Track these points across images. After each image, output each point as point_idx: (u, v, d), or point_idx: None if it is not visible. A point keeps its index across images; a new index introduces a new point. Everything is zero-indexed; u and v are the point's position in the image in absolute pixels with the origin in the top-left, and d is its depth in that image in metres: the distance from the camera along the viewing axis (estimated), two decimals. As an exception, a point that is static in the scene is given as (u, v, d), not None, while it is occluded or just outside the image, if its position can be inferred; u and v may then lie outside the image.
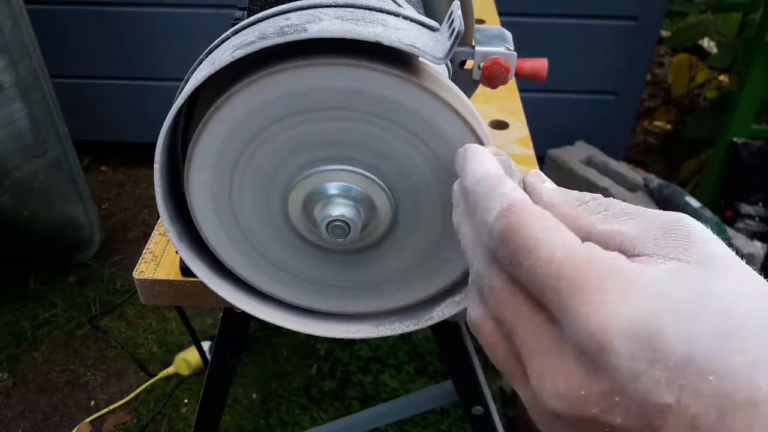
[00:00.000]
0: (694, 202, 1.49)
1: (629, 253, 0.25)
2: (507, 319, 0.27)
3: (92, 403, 1.48)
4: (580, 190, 0.30)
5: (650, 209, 0.27)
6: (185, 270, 0.56)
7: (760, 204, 1.71)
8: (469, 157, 0.32)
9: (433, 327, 0.51)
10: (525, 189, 0.31)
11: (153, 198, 0.41)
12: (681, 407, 0.21)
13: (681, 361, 0.21)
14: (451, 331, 0.67)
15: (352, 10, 0.36)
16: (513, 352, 0.27)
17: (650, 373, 0.22)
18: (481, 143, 0.37)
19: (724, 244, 0.25)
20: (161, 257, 0.59)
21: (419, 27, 0.37)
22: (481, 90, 0.53)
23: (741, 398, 0.21)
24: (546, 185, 0.31)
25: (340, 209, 0.38)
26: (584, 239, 0.26)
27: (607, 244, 0.26)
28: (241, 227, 0.43)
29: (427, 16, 0.56)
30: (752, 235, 1.62)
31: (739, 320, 0.22)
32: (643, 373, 0.22)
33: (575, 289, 0.23)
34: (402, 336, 1.57)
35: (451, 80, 0.43)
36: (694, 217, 0.27)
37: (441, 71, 0.42)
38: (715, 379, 0.21)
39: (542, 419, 0.26)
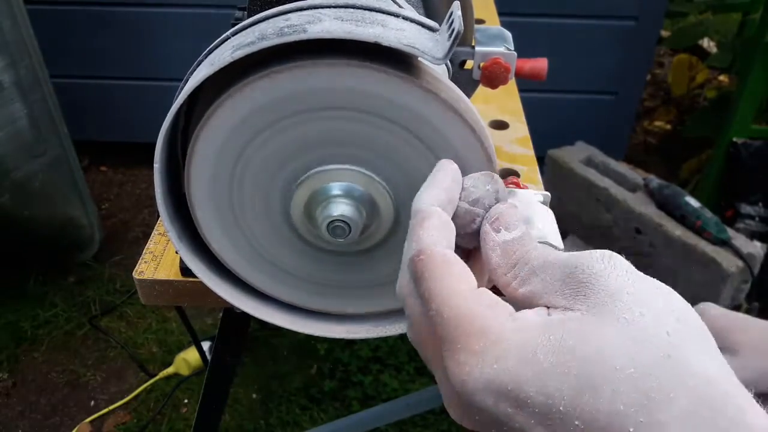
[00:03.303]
0: (694, 202, 1.49)
1: (546, 306, 0.28)
2: (417, 339, 0.31)
3: (92, 403, 1.48)
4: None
5: (559, 257, 0.29)
6: (185, 270, 0.56)
7: (760, 204, 1.71)
8: (427, 180, 0.34)
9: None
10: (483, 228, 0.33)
11: (153, 198, 0.41)
12: None
13: (544, 409, 0.24)
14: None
15: (351, 10, 0.36)
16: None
17: (519, 414, 0.25)
18: (481, 143, 0.37)
19: (625, 280, 0.26)
20: (161, 257, 0.59)
21: (419, 27, 0.37)
22: (481, 90, 0.53)
23: None
24: (497, 238, 0.32)
25: (341, 209, 0.38)
26: (513, 301, 0.29)
27: (530, 303, 0.29)
28: (241, 227, 0.43)
29: (427, 16, 0.56)
30: (752, 235, 1.62)
31: (606, 371, 0.23)
32: (513, 414, 0.25)
33: (450, 344, 0.27)
34: (402, 336, 1.57)
35: (451, 80, 0.43)
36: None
37: (441, 71, 0.42)
38: (580, 424, 0.23)
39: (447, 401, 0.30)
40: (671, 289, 0.27)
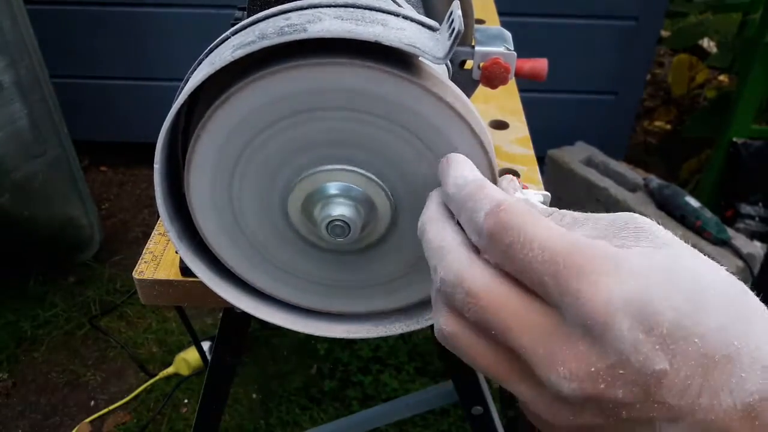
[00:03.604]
0: (694, 202, 1.49)
1: None
2: (496, 320, 0.27)
3: (92, 403, 1.48)
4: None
5: (597, 214, 0.29)
6: (185, 270, 0.56)
7: (760, 204, 1.71)
8: (452, 166, 0.33)
9: (433, 327, 0.51)
10: None
11: (153, 198, 0.41)
12: (674, 371, 0.24)
13: (671, 327, 0.24)
14: (451, 331, 0.66)
15: (352, 9, 0.36)
16: (503, 354, 0.28)
17: (647, 341, 0.24)
18: (481, 143, 0.37)
19: (670, 233, 0.27)
20: (161, 257, 0.59)
21: (419, 27, 0.37)
22: (481, 90, 0.53)
23: (720, 356, 0.23)
24: (517, 194, 0.32)
25: (340, 209, 0.38)
26: None
27: None
28: (241, 227, 0.43)
29: (427, 15, 0.56)
30: (752, 235, 1.62)
31: (705, 290, 0.24)
32: (641, 342, 0.24)
33: (573, 273, 0.25)
34: (402, 336, 1.57)
35: (451, 80, 0.43)
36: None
37: (441, 71, 0.42)
38: (699, 341, 0.24)
39: (549, 410, 0.27)
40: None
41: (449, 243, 0.30)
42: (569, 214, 0.30)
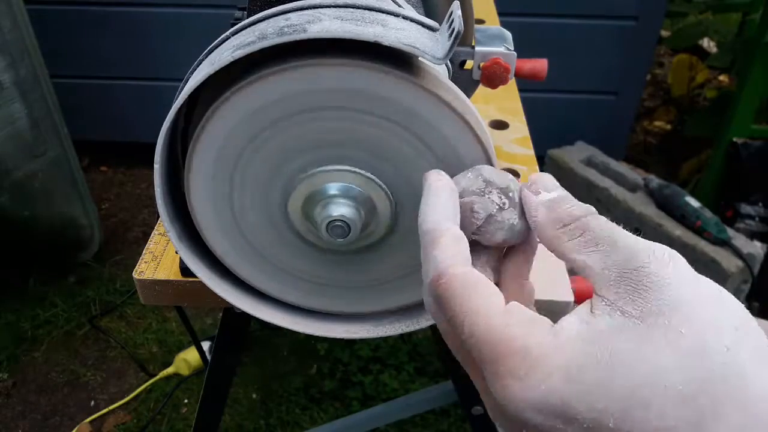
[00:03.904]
0: (694, 202, 1.49)
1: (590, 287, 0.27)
2: (459, 354, 0.30)
3: (92, 403, 1.48)
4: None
5: (625, 236, 0.27)
6: (185, 270, 0.56)
7: (760, 204, 1.71)
8: (424, 197, 0.33)
9: (433, 327, 0.51)
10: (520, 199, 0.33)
11: (153, 198, 0.41)
12: None
13: (594, 424, 0.24)
14: (451, 331, 0.66)
15: (351, 10, 0.36)
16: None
17: (569, 428, 0.24)
18: (481, 143, 0.37)
19: (690, 283, 0.25)
20: (161, 257, 0.59)
21: (419, 27, 0.37)
22: (481, 90, 0.53)
23: None
24: (539, 198, 0.31)
25: (340, 209, 0.38)
26: (561, 258, 0.29)
27: (576, 270, 0.28)
28: (240, 227, 0.43)
29: (427, 16, 0.56)
30: (752, 235, 1.62)
31: (656, 388, 0.23)
32: (564, 430, 0.25)
33: (491, 367, 0.26)
34: (402, 336, 1.57)
35: (451, 80, 0.43)
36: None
37: (441, 71, 0.42)
38: None
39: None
40: (729, 293, 0.26)
41: (425, 286, 0.31)
42: (590, 230, 0.28)
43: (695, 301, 0.24)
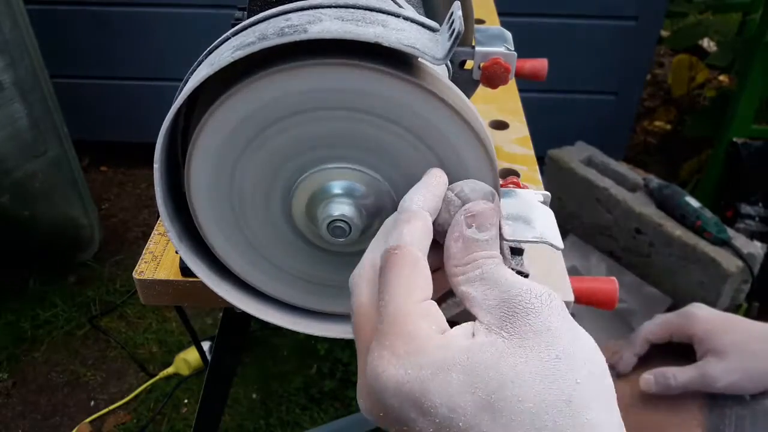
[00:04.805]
0: (694, 202, 1.49)
1: (473, 316, 0.30)
2: (354, 325, 0.33)
3: (92, 403, 1.48)
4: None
5: (513, 277, 0.30)
6: (185, 270, 0.56)
7: (760, 204, 1.71)
8: (420, 183, 0.36)
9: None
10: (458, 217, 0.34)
11: (153, 198, 0.41)
12: None
13: (444, 420, 0.26)
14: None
15: (352, 10, 0.36)
16: None
17: (421, 420, 0.26)
18: (482, 143, 0.37)
19: (559, 319, 0.28)
20: (161, 257, 0.59)
21: (419, 27, 0.37)
22: (481, 90, 0.53)
23: None
24: (465, 232, 0.33)
25: (341, 209, 0.38)
26: (451, 285, 0.31)
27: (463, 302, 0.31)
28: (241, 227, 0.43)
29: (427, 16, 0.56)
30: (752, 235, 1.62)
31: (509, 401, 0.25)
32: (414, 419, 0.27)
33: (380, 338, 0.29)
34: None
35: (451, 80, 0.43)
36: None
37: (441, 71, 0.42)
38: None
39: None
40: (595, 345, 0.29)
41: (369, 253, 0.34)
42: (486, 269, 0.31)
43: (560, 335, 0.27)
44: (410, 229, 0.32)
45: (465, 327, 0.29)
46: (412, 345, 0.28)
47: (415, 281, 0.30)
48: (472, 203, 0.34)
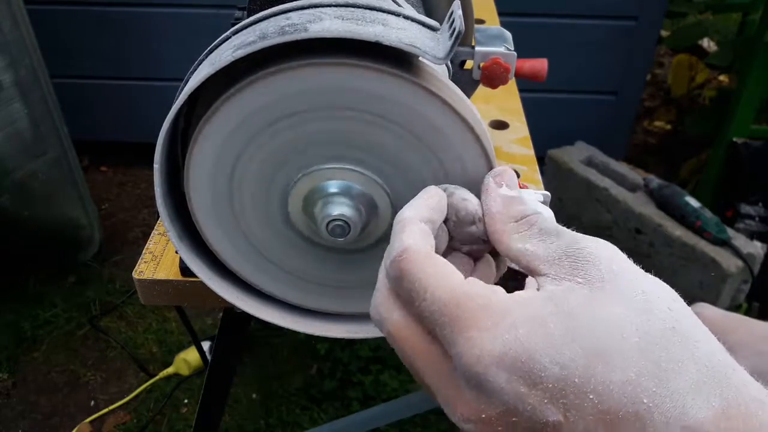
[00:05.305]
0: (694, 202, 1.49)
1: (534, 273, 0.28)
2: (406, 358, 0.29)
3: (92, 403, 1.48)
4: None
5: (570, 231, 0.29)
6: (185, 270, 0.56)
7: (760, 204, 1.71)
8: (412, 200, 0.34)
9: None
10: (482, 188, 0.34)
11: (153, 198, 0.41)
12: (570, 423, 0.23)
13: (558, 382, 0.23)
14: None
15: (352, 9, 0.36)
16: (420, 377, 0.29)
17: (532, 394, 0.24)
18: (481, 143, 0.37)
19: (621, 262, 0.27)
20: (161, 257, 0.59)
21: (420, 27, 0.37)
22: (481, 90, 0.53)
23: (625, 413, 0.23)
24: (500, 191, 0.32)
25: (340, 208, 0.38)
26: (504, 254, 0.30)
27: (518, 260, 0.29)
28: (241, 227, 0.43)
29: (428, 15, 0.56)
30: (752, 235, 1.61)
31: (614, 340, 0.24)
32: (525, 395, 0.24)
33: (454, 326, 0.26)
34: (402, 336, 1.57)
35: (451, 80, 0.43)
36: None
37: (441, 71, 0.42)
38: (594, 397, 0.23)
39: None
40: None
41: (381, 280, 0.32)
42: (538, 224, 0.30)
43: (634, 277, 0.26)
44: (408, 233, 0.31)
45: (528, 286, 0.28)
46: (494, 312, 0.25)
47: (443, 267, 0.28)
48: (499, 168, 0.34)
